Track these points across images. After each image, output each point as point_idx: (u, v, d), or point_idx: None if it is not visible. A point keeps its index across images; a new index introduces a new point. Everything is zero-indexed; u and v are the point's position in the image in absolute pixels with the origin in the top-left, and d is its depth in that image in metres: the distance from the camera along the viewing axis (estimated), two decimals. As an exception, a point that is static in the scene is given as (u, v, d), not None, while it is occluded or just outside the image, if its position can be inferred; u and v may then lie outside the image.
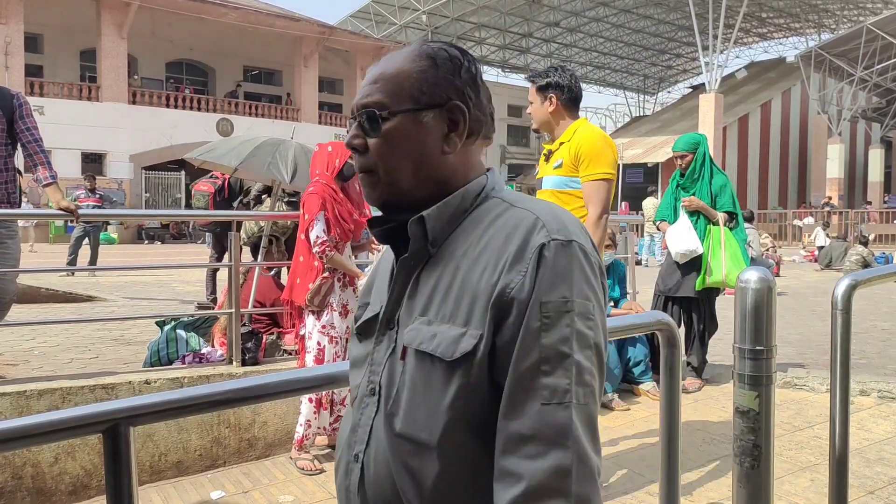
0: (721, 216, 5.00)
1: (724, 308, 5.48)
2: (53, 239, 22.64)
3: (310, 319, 3.94)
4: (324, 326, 3.93)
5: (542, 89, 3.41)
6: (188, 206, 27.30)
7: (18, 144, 3.98)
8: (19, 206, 4.11)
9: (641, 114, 54.39)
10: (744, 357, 2.12)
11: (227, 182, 6.99)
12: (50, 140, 23.46)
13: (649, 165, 34.00)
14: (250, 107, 31.38)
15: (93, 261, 12.16)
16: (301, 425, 3.95)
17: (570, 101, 3.40)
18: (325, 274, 3.90)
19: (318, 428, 4.03)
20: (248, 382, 1.56)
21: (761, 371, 2.12)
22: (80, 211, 4.97)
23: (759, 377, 2.13)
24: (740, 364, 2.13)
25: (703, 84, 33.07)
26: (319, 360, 3.90)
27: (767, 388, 2.14)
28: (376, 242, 4.52)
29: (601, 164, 3.23)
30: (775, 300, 2.11)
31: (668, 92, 56.98)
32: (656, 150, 35.07)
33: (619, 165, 3.33)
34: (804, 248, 23.32)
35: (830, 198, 31.02)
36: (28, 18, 25.19)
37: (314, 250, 3.86)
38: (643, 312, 5.08)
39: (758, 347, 2.11)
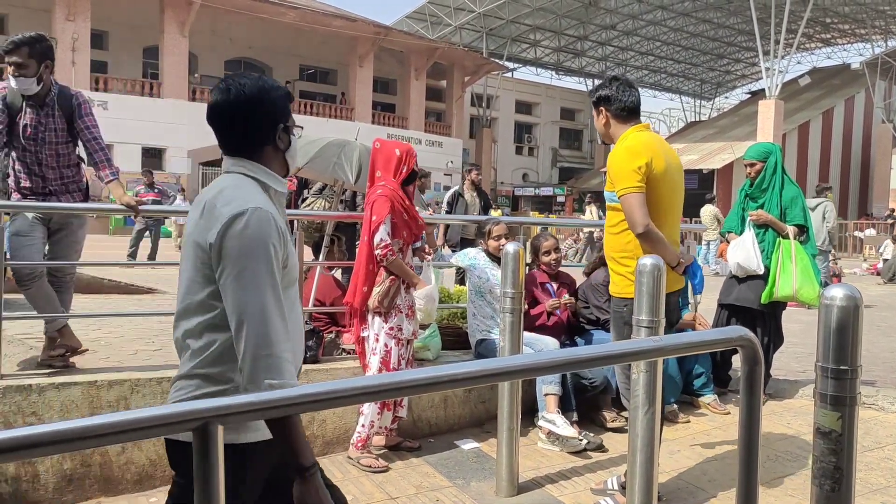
0: (791, 229, 4.86)
1: (783, 321, 5.35)
2: (113, 231, 23.25)
3: (376, 322, 3.95)
4: (391, 329, 3.95)
5: (595, 104, 3.47)
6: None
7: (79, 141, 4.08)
8: (86, 196, 4.23)
9: (697, 119, 53.52)
10: (827, 376, 2.06)
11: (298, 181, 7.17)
12: (112, 135, 24.13)
13: (704, 172, 33.42)
14: (305, 105, 31.77)
15: (152, 255, 12.46)
16: (364, 426, 3.98)
17: (620, 111, 3.38)
18: (392, 276, 3.92)
19: (380, 428, 4.06)
20: (330, 386, 1.56)
21: (845, 391, 2.06)
22: (145, 207, 5.10)
23: (843, 397, 2.07)
24: (823, 383, 2.06)
25: (763, 90, 32.35)
26: (386, 361, 3.91)
27: (851, 408, 2.07)
28: (429, 250, 4.52)
29: (620, 180, 3.22)
30: (862, 319, 2.05)
31: (726, 97, 56.03)
32: (712, 156, 34.47)
33: (648, 169, 3.22)
34: (865, 260, 22.65)
35: (894, 209, 30.06)
36: (95, 16, 25.95)
37: (376, 253, 3.87)
38: (711, 327, 4.99)
39: (842, 367, 2.05)
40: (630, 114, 3.39)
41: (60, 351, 4.06)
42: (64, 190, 4.03)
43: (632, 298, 3.08)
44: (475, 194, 9.07)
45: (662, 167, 3.28)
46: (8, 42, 3.84)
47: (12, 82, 3.83)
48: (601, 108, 3.39)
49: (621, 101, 3.36)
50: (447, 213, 8.85)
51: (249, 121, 1.88)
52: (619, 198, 3.23)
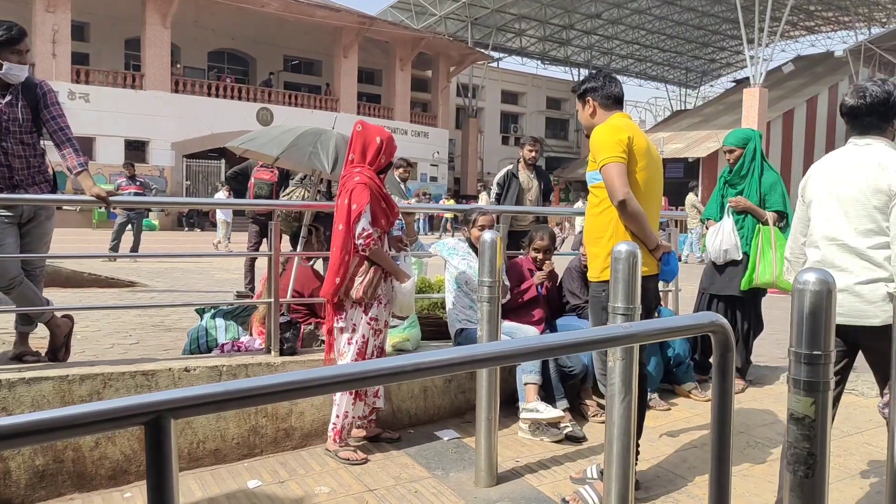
0: (770, 215, 4.85)
1: (766, 307, 5.35)
2: (97, 224, 23.08)
3: (356, 312, 3.88)
4: (371, 319, 3.89)
5: (581, 97, 3.56)
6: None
7: (45, 132, 4.01)
8: (54, 188, 4.15)
9: (683, 108, 53.62)
10: (800, 362, 2.04)
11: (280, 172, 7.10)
12: (94, 127, 23.93)
13: (690, 160, 33.51)
14: (290, 96, 31.61)
15: (135, 247, 12.35)
16: (338, 416, 3.93)
17: (606, 99, 3.48)
18: (375, 266, 3.85)
19: (354, 418, 4.01)
20: (292, 377, 1.52)
21: (818, 377, 2.04)
22: (117, 198, 5.03)
23: (816, 383, 2.05)
24: (796, 369, 2.04)
25: (748, 78, 32.48)
26: (362, 352, 3.86)
27: (824, 394, 2.06)
28: (405, 241, 4.46)
29: (602, 150, 3.26)
30: (835, 303, 2.03)
31: (711, 86, 56.18)
32: (697, 144, 34.55)
33: (630, 143, 3.27)
34: (849, 247, 22.77)
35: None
36: (75, 7, 25.64)
37: (357, 242, 3.78)
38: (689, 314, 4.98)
39: (815, 352, 2.03)
40: (615, 102, 3.49)
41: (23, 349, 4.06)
42: (31, 181, 3.95)
43: (605, 281, 3.12)
44: (532, 175, 7.26)
45: (644, 146, 3.34)
46: (17, 29, 3.82)
47: (20, 70, 3.83)
48: (588, 98, 3.49)
49: (607, 90, 3.47)
50: (497, 196, 7.31)
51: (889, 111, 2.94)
52: (600, 169, 3.26)
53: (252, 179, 7.35)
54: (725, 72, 54.06)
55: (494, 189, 7.40)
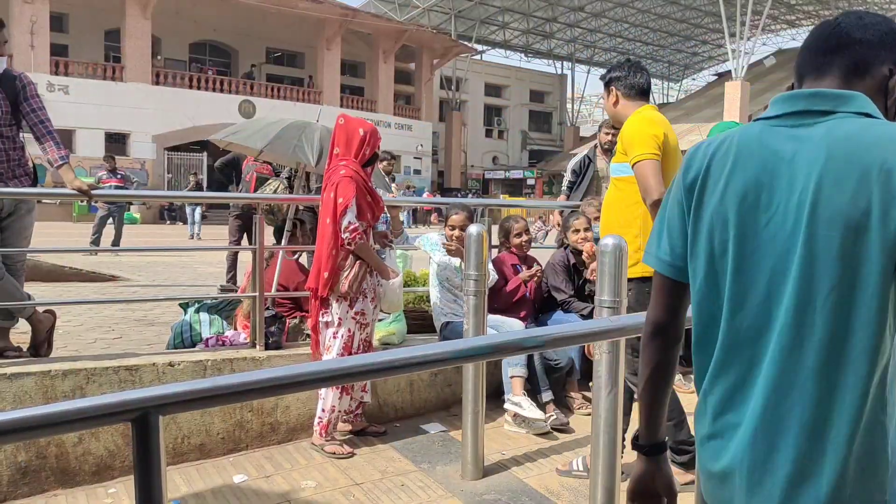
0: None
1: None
2: (77, 218, 22.81)
3: (341, 307, 3.85)
4: (356, 313, 3.87)
5: (606, 86, 3.49)
6: (210, 186, 27.41)
7: (25, 125, 3.96)
8: (35, 181, 4.09)
9: (665, 101, 53.83)
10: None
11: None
12: (74, 120, 23.52)
13: (672, 153, 33.63)
14: (272, 89, 31.40)
15: (116, 241, 12.23)
16: (325, 411, 3.91)
17: (630, 89, 3.40)
18: (360, 260, 3.83)
19: (340, 412, 4.00)
20: (280, 372, 1.52)
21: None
22: (98, 192, 4.97)
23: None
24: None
25: (730, 71, 32.63)
26: (348, 346, 3.84)
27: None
28: (390, 237, 4.44)
29: (636, 147, 3.16)
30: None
31: (693, 79, 56.47)
32: (680, 137, 34.37)
33: (665, 140, 3.20)
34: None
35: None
36: (54, -2, 25.32)
37: (343, 236, 3.75)
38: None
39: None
40: (639, 93, 3.42)
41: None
42: (11, 175, 3.90)
43: (635, 279, 3.08)
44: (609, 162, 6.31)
45: (675, 143, 3.30)
46: None
47: None
48: (612, 87, 3.44)
49: (631, 79, 3.41)
50: (570, 183, 6.45)
51: None
52: (633, 164, 3.15)
53: (254, 174, 7.24)
54: (707, 65, 54.36)
55: (568, 176, 6.60)
